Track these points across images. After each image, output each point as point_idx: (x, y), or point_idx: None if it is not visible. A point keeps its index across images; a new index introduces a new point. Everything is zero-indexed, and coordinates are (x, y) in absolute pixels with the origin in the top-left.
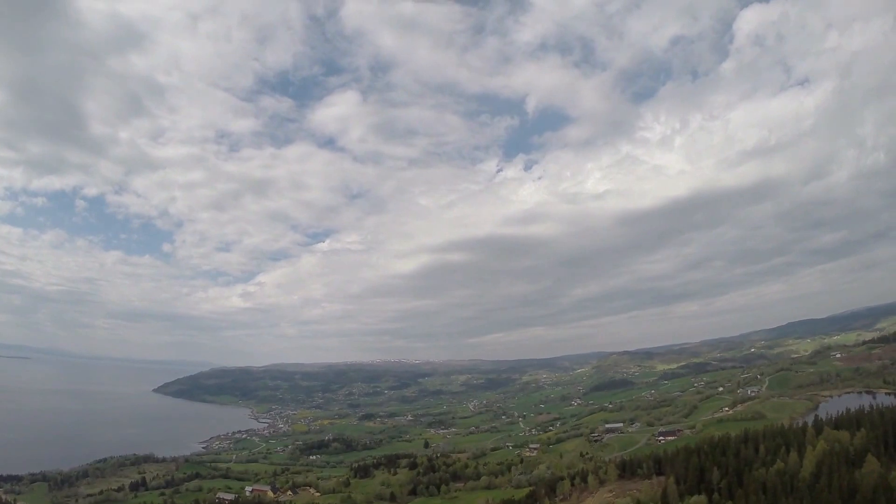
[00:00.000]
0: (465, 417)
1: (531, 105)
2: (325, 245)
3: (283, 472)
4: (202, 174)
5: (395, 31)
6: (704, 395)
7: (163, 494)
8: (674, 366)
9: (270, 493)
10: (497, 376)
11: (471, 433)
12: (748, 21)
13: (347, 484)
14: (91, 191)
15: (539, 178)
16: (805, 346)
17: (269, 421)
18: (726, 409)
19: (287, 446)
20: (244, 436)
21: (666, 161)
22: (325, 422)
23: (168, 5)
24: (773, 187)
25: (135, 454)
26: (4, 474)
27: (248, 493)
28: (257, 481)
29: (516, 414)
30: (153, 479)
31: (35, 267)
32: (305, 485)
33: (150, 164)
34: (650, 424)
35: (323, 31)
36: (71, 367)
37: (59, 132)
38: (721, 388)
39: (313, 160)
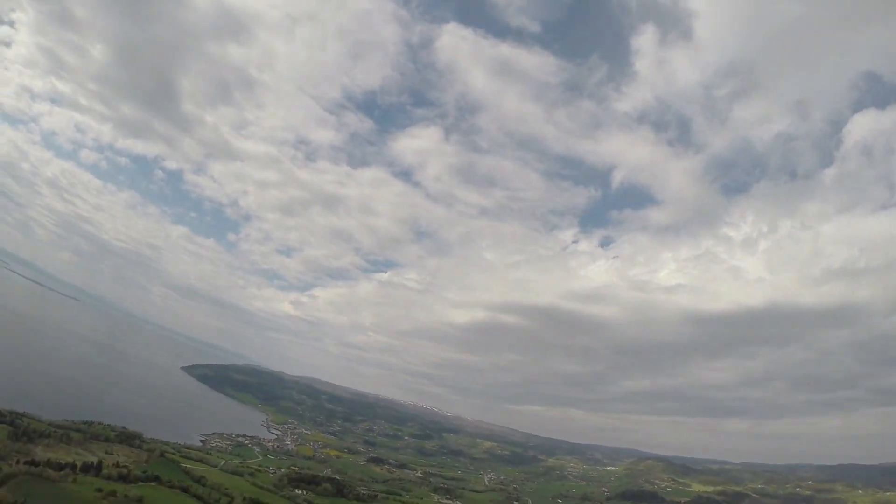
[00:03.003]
0: (476, 491)
1: (616, 178)
2: (384, 276)
3: None
4: (276, 175)
5: (488, 73)
6: None
7: (99, 491)
8: (710, 489)
9: None
10: (523, 451)
11: None
12: (860, 126)
13: None
14: (171, 164)
15: (613, 258)
16: (857, 498)
17: (279, 434)
18: None
19: (281, 469)
20: (247, 442)
21: (746, 265)
22: (333, 452)
23: (269, 3)
24: (854, 314)
25: (124, 427)
26: None
27: None
28: None
29: (530, 502)
30: (111, 465)
31: (106, 219)
32: None
33: (229, 153)
34: None
35: (415, 59)
36: (116, 320)
37: (151, 101)
38: None
39: (386, 188)
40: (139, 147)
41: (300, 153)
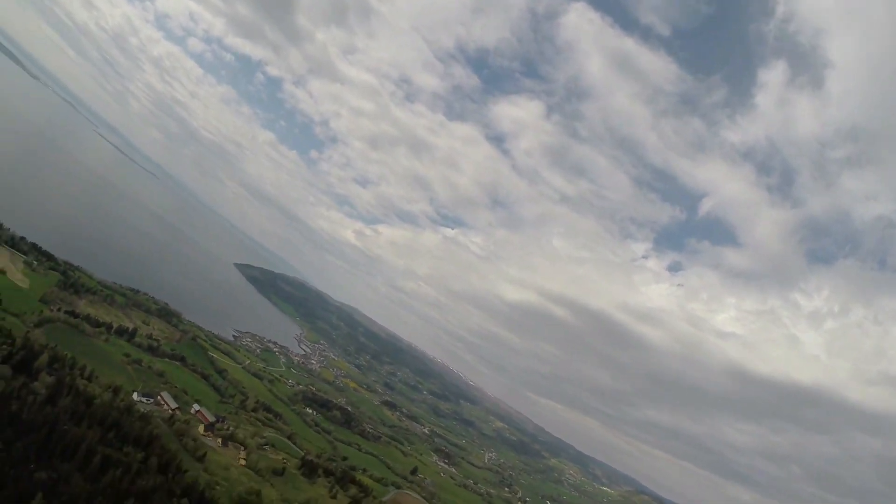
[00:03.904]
0: (474, 465)
1: (704, 207)
2: (450, 232)
3: (252, 411)
4: (372, 106)
5: (606, 62)
6: None
7: (126, 356)
8: None
9: (201, 428)
10: (531, 442)
11: (464, 486)
12: None
13: (281, 473)
14: (273, 71)
15: (678, 286)
16: None
17: (308, 351)
18: None
19: (299, 384)
20: (275, 350)
21: (806, 338)
22: (352, 384)
23: None
24: (894, 427)
25: (166, 304)
26: (44, 248)
27: (192, 412)
28: (224, 402)
29: (520, 494)
30: (144, 335)
31: (200, 108)
32: (242, 443)
33: (332, 74)
34: None
35: (536, 28)
36: (186, 203)
37: (268, 7)
38: None
39: (476, 148)
40: (246, 48)
41: (400, 91)
